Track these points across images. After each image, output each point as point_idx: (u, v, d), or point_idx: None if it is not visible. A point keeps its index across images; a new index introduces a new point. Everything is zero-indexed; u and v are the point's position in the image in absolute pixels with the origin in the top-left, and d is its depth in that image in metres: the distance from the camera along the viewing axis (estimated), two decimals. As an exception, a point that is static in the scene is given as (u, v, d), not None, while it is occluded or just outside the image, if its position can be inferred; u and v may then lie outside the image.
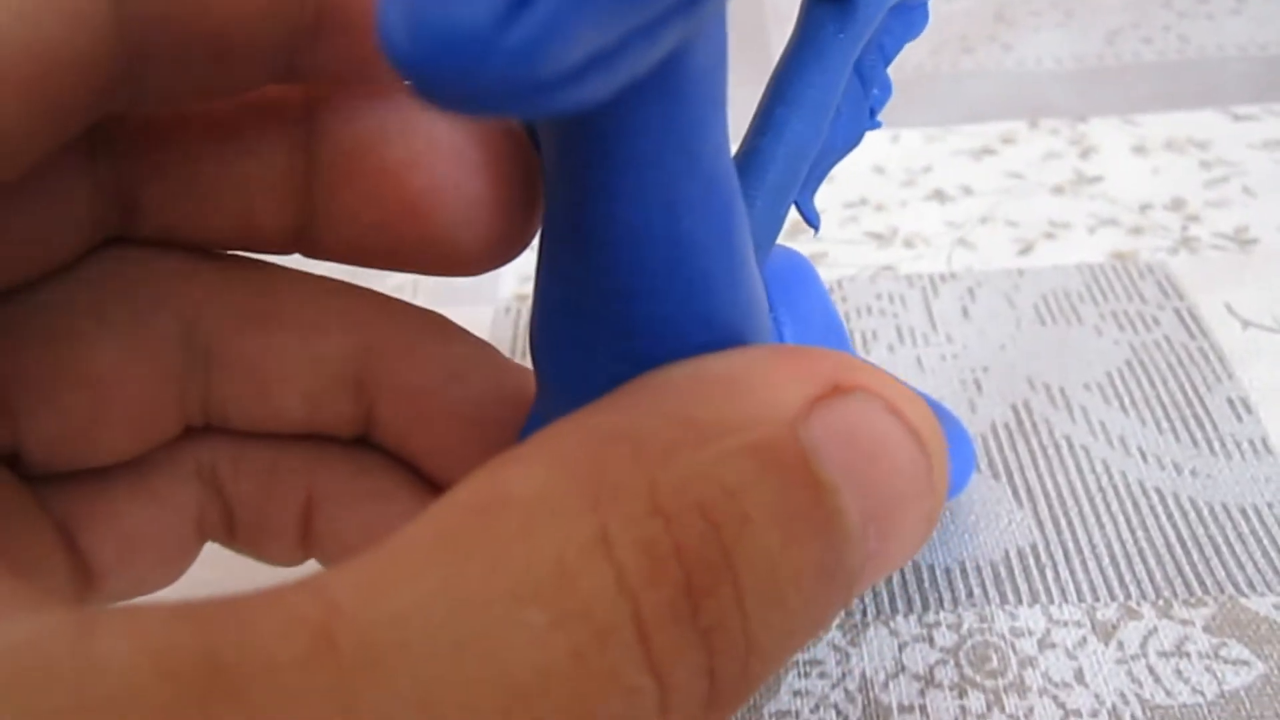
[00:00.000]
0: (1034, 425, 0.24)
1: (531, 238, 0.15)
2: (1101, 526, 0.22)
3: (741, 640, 0.10)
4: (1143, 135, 0.32)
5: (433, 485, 0.16)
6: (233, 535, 0.17)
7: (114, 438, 0.15)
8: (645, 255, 0.11)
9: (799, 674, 0.20)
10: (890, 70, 0.39)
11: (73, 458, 0.15)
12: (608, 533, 0.09)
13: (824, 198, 0.31)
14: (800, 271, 0.18)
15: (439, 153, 0.14)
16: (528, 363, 0.14)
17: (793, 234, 0.30)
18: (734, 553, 0.10)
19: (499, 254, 0.15)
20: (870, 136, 0.33)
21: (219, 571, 0.17)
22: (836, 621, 0.21)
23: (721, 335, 0.11)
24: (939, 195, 0.31)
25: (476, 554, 0.09)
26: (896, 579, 0.21)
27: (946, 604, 0.21)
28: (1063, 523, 0.22)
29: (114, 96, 0.12)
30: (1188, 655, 0.19)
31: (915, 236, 0.29)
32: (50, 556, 0.15)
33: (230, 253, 0.16)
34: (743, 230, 0.12)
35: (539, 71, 0.08)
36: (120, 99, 0.13)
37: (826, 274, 0.28)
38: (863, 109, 0.16)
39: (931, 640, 0.20)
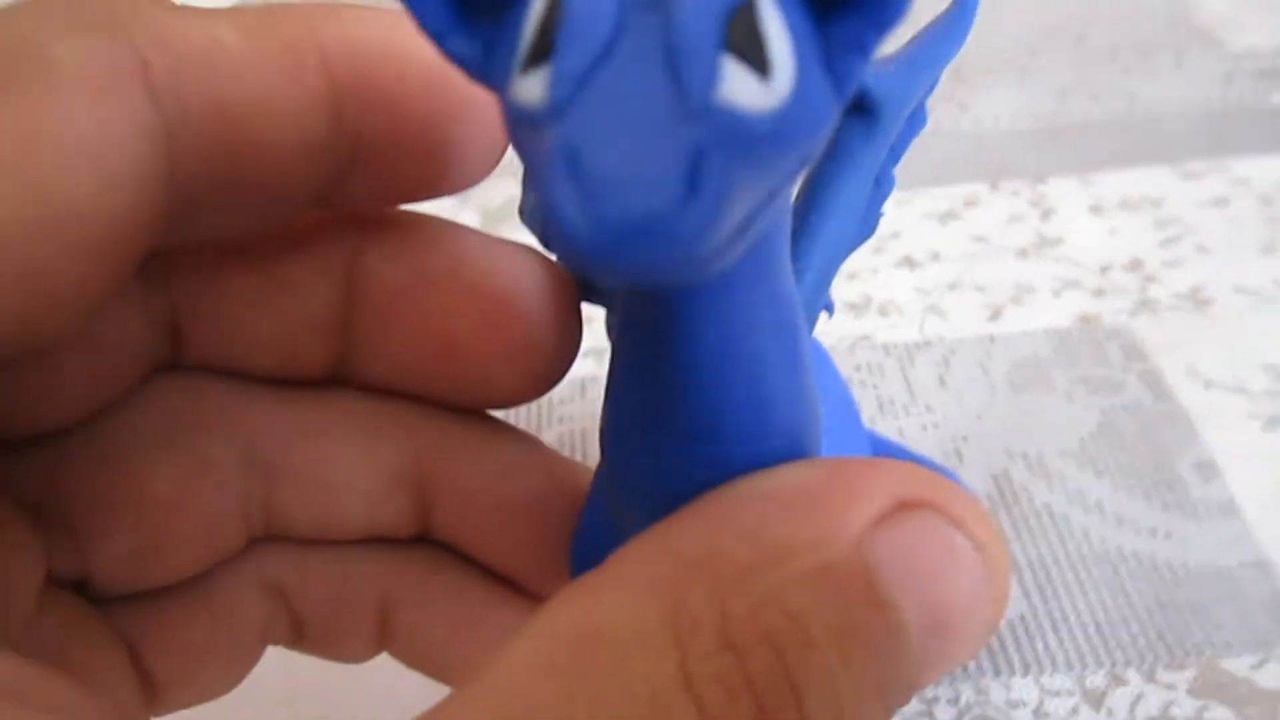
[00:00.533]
0: (1014, 495, 0.25)
1: (568, 369, 0.16)
2: (1085, 594, 0.23)
3: None
4: (1099, 195, 0.34)
5: (498, 576, 0.17)
6: (299, 639, 0.18)
7: (179, 558, 0.16)
8: (723, 372, 0.11)
9: (808, 754, 0.21)
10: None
11: (139, 579, 0.16)
12: (688, 668, 0.10)
13: (798, 266, 0.32)
14: (818, 352, 0.19)
15: (481, 296, 0.15)
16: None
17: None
18: (798, 677, 0.10)
19: (536, 389, 0.16)
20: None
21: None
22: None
23: (786, 443, 0.12)
24: (909, 261, 0.32)
25: (579, 690, 0.10)
26: (895, 655, 0.22)
27: (944, 680, 0.22)
28: (1048, 591, 0.23)
29: (161, 237, 0.13)
30: (1174, 719, 0.21)
31: (889, 304, 0.31)
32: (118, 674, 0.16)
33: None
34: (805, 344, 0.13)
35: (707, 247, 0.09)
36: (166, 237, 0.13)
37: (807, 346, 0.29)
38: (876, 205, 0.17)
39: (932, 715, 0.21)
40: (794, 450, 0.12)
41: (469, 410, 0.17)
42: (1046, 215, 0.33)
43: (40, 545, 0.15)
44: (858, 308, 0.30)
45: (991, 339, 0.29)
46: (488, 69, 0.11)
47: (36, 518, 0.15)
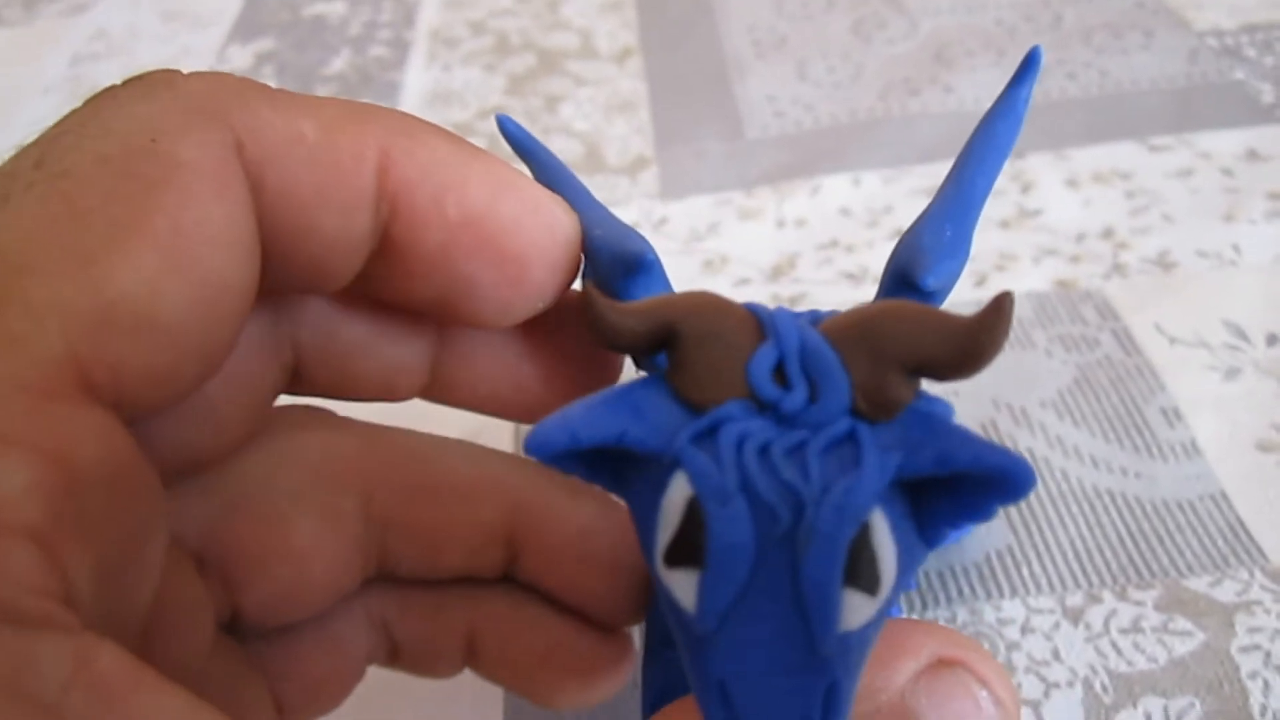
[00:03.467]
0: (1001, 441, 0.28)
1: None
2: (1065, 526, 0.26)
3: None
4: (1073, 169, 0.37)
5: (572, 609, 0.20)
6: (395, 661, 0.20)
7: (312, 600, 0.18)
8: None
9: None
10: (846, 115, 0.44)
11: (277, 619, 0.18)
12: None
13: (799, 240, 0.35)
14: None
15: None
16: None
17: (774, 276, 0.34)
18: None
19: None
20: (839, 181, 0.37)
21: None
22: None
23: None
24: (900, 234, 0.35)
25: None
26: (899, 583, 0.25)
27: (942, 602, 0.25)
28: (1032, 526, 0.26)
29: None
30: (1142, 630, 0.24)
31: (884, 274, 0.33)
32: (262, 706, 0.18)
33: (393, 428, 0.19)
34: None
35: None
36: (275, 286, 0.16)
37: (811, 314, 0.32)
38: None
39: (933, 633, 0.24)
40: None
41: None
42: (1026, 189, 0.36)
43: (206, 590, 0.17)
44: (855, 277, 0.33)
45: (979, 303, 0.32)
46: (618, 483, 0.13)
47: (200, 564, 0.17)
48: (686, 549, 0.11)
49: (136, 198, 0.13)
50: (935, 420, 0.12)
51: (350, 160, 0.15)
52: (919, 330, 0.12)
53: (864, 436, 0.12)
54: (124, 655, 0.12)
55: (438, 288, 0.16)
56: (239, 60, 0.50)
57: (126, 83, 0.15)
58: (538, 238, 0.16)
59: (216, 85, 0.15)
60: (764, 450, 0.11)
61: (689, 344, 0.12)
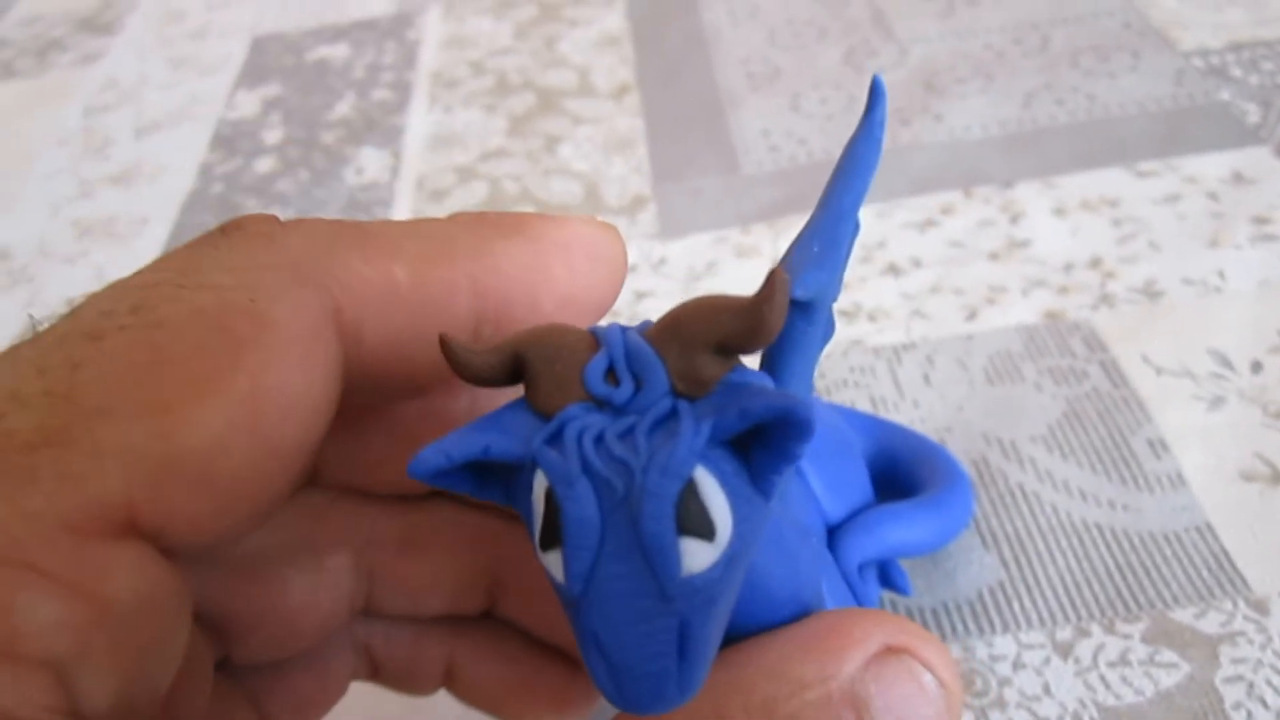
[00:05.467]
0: (992, 477, 0.29)
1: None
2: (1054, 560, 0.27)
3: None
4: (1061, 198, 0.38)
5: (545, 645, 0.21)
6: (375, 678, 0.22)
7: (301, 643, 0.20)
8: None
9: (824, 709, 0.25)
10: (837, 148, 0.44)
11: (267, 659, 0.20)
12: None
13: (795, 278, 0.36)
14: (835, 438, 0.23)
15: None
16: None
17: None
18: None
19: None
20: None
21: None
22: (850, 662, 0.26)
23: (789, 615, 0.16)
24: (893, 269, 0.36)
25: None
26: (894, 622, 0.26)
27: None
28: (1023, 560, 0.27)
29: None
30: (1130, 663, 0.24)
31: (877, 310, 0.34)
32: None
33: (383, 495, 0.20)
34: (795, 541, 0.17)
35: (698, 685, 0.13)
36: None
37: (806, 353, 0.33)
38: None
39: (927, 671, 0.25)
40: (796, 617, 0.16)
41: None
42: (1015, 219, 0.37)
43: (206, 639, 0.18)
44: (849, 315, 0.34)
45: (970, 337, 0.33)
46: (507, 496, 0.15)
47: (196, 618, 0.18)
48: (552, 532, 0.13)
49: (224, 354, 0.14)
50: (743, 386, 0.14)
51: (444, 297, 0.16)
52: (714, 315, 0.14)
53: (683, 410, 0.13)
54: None
55: None
56: (247, 107, 0.51)
57: (224, 229, 0.16)
58: (600, 264, 0.18)
59: (311, 240, 0.15)
60: (600, 437, 0.13)
61: (536, 366, 0.14)
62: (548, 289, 0.17)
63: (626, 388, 0.14)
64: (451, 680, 0.22)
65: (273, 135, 0.49)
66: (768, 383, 0.14)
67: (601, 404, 0.14)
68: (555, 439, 0.13)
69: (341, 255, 0.15)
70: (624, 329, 0.15)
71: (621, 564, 0.13)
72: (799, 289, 0.17)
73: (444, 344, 0.14)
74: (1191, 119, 0.40)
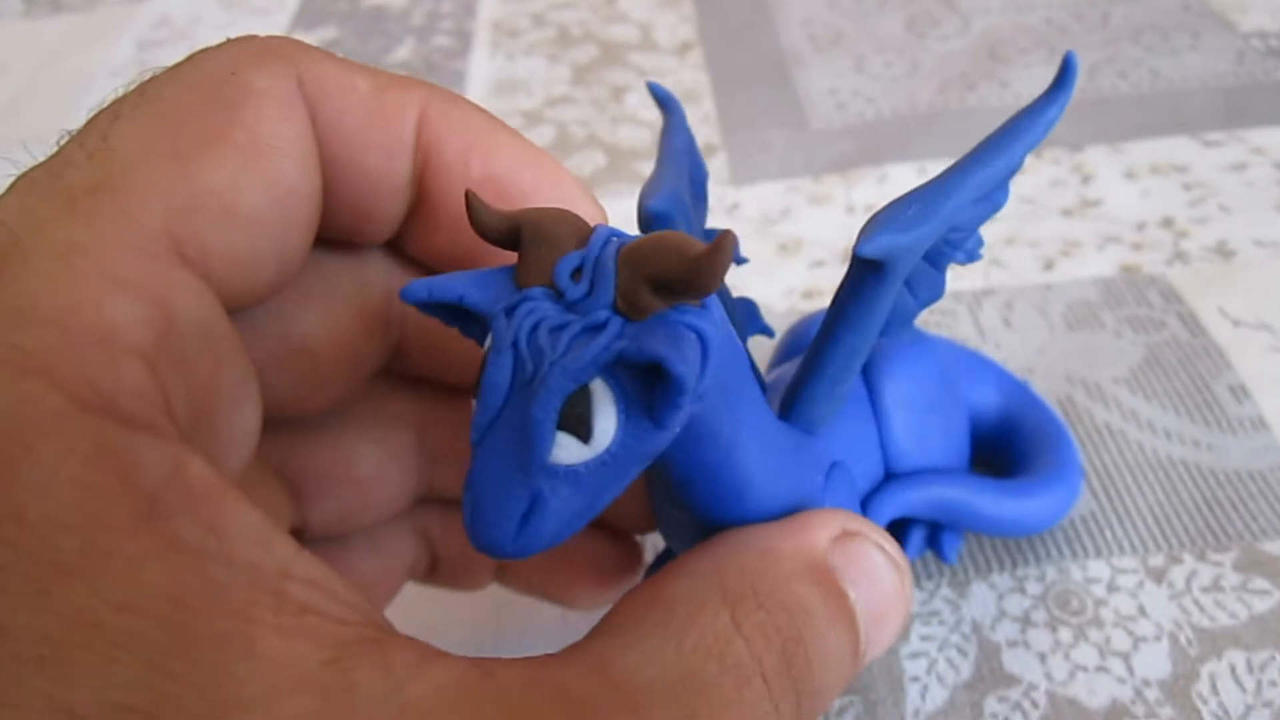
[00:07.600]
0: (1078, 415, 0.29)
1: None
2: (1143, 493, 0.27)
3: (811, 686, 0.16)
4: (1130, 162, 0.38)
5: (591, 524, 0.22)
6: (432, 575, 0.23)
7: (370, 516, 0.21)
8: (698, 479, 0.17)
9: (922, 622, 0.25)
10: (906, 107, 0.45)
11: (338, 532, 0.21)
12: (736, 619, 0.16)
13: (870, 226, 0.36)
14: (936, 393, 0.24)
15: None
16: None
17: (847, 258, 0.35)
18: (804, 631, 0.16)
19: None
20: (905, 171, 0.38)
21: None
22: (946, 579, 0.26)
23: (765, 511, 0.18)
24: (968, 221, 0.36)
25: (672, 629, 0.15)
26: (989, 544, 0.26)
27: (1031, 561, 0.26)
28: (1112, 492, 0.27)
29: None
30: (1223, 589, 0.25)
31: (954, 258, 0.35)
32: None
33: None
34: (792, 464, 0.18)
35: (537, 550, 0.15)
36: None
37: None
38: (938, 277, 0.20)
39: (1024, 590, 0.26)
40: (772, 514, 0.18)
41: None
42: (1086, 180, 0.38)
43: (287, 501, 0.20)
44: (927, 261, 0.35)
45: (1048, 286, 0.33)
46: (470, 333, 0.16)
47: (279, 480, 0.20)
48: (477, 385, 0.15)
49: (220, 114, 0.16)
50: (669, 324, 0.15)
51: (393, 109, 0.18)
52: (666, 255, 0.15)
53: (611, 326, 0.15)
54: (212, 469, 0.13)
55: (462, 246, 0.19)
56: (304, 48, 0.51)
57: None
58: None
59: (286, 40, 0.17)
60: (538, 324, 0.15)
61: (526, 242, 0.16)
62: (484, 158, 0.18)
63: (581, 289, 0.15)
64: (503, 573, 0.23)
65: (332, 75, 0.49)
66: (705, 328, 0.15)
67: (560, 295, 0.15)
68: (510, 311, 0.15)
69: (311, 54, 0.17)
70: (615, 235, 0.16)
71: (510, 431, 0.15)
72: (865, 247, 0.18)
73: (468, 197, 0.16)
74: (1255, 95, 0.41)
